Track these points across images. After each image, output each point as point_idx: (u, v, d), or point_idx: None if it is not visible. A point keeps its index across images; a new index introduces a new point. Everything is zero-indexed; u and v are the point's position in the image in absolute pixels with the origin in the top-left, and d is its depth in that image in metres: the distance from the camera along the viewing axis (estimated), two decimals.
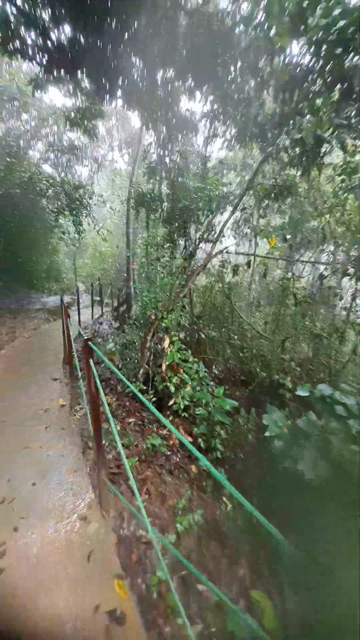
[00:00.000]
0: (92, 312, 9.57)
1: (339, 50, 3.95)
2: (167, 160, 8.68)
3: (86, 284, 16.24)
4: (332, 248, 7.89)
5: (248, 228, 8.71)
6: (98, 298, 11.90)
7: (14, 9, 6.45)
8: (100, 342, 6.30)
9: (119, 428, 3.34)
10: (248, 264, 7.69)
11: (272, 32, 4.52)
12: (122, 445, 2.93)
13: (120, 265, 14.59)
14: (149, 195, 8.76)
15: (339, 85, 4.59)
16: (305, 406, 2.80)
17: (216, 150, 7.96)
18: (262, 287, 8.91)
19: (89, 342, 1.95)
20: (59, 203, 11.56)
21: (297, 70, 5.13)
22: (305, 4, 3.84)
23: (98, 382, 1.84)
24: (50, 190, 11.40)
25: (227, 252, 6.03)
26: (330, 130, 4.79)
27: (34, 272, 13.51)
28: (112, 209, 13.59)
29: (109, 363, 1.78)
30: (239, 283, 7.75)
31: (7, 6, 6.37)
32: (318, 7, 3.80)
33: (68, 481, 2.30)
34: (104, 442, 2.40)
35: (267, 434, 2.42)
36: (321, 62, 4.55)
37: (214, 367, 4.89)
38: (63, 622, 1.37)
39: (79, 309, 8.01)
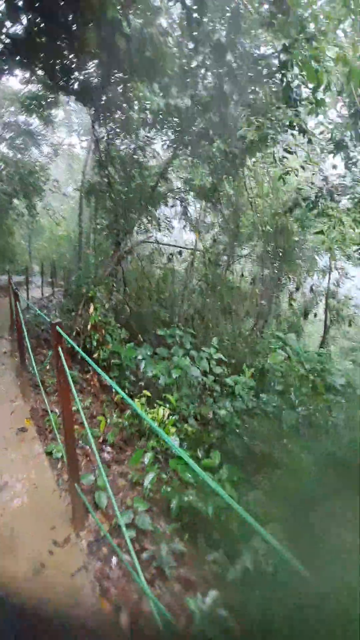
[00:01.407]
0: (42, 290, 10.48)
1: None
2: (113, 154, 9.70)
3: (43, 266, 16.75)
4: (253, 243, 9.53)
5: (183, 221, 10.09)
6: (51, 279, 12.70)
7: None
8: (45, 312, 7.36)
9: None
10: (179, 253, 9.11)
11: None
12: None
13: (76, 249, 15.35)
14: (96, 187, 9.77)
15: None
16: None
17: (160, 151, 9.19)
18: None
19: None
20: (13, 186, 12.08)
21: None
22: None
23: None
24: (4, 172, 11.87)
25: (153, 242, 7.35)
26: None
27: None
28: (65, 195, 14.28)
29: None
30: (172, 268, 9.13)
31: None
32: None
33: (3, 378, 3.54)
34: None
35: (139, 357, 3.81)
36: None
37: (133, 328, 6.26)
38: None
39: (27, 287, 8.93)
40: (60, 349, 1.75)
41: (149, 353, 3.88)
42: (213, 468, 2.20)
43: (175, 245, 8.63)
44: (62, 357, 1.78)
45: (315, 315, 8.67)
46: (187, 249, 8.83)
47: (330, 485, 1.75)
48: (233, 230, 8.75)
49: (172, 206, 8.73)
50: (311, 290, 7.79)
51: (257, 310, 7.37)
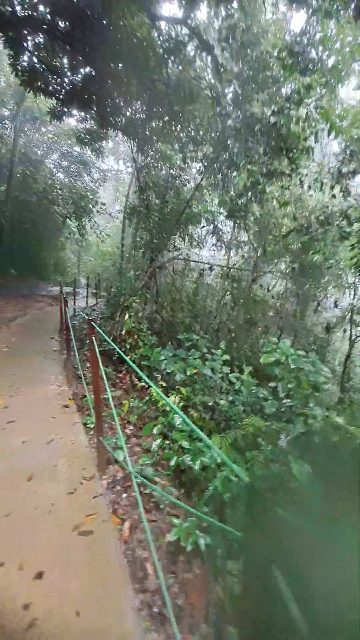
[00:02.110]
0: (87, 300, 11.73)
1: None
2: (152, 181, 10.78)
3: (89, 279, 18.48)
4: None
5: (216, 240, 10.77)
6: (95, 290, 14.06)
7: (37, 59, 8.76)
8: (87, 319, 8.37)
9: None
10: (210, 268, 9.77)
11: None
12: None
13: (117, 264, 16.77)
14: (138, 209, 10.89)
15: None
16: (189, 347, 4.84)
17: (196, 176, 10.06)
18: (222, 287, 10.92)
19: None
20: (67, 209, 13.80)
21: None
22: None
23: (95, 345, 3.92)
24: (60, 199, 13.63)
25: (183, 258, 8.10)
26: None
27: (43, 266, 15.75)
28: (111, 215, 15.81)
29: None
30: (203, 283, 9.78)
31: (33, 57, 8.68)
32: None
33: (51, 364, 4.40)
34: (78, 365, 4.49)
35: (162, 359, 4.47)
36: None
37: (164, 335, 6.96)
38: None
39: (74, 297, 10.15)
40: (93, 338, 2.47)
41: (170, 354, 4.53)
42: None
43: (204, 262, 9.30)
44: (95, 344, 2.50)
45: (345, 331, 8.71)
46: (216, 265, 9.45)
47: (295, 449, 2.22)
48: (259, 248, 9.22)
49: (203, 226, 9.44)
50: (335, 305, 7.92)
51: (279, 323, 7.69)
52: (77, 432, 2.99)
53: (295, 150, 4.44)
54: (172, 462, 2.44)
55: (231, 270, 8.60)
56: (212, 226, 10.30)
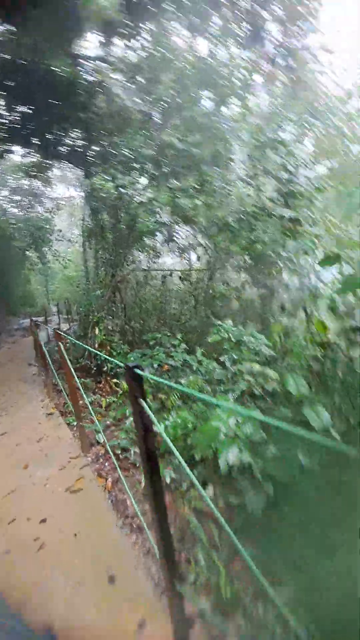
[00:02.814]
0: (60, 326, 12.04)
1: None
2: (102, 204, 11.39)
3: (59, 305, 18.66)
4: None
5: (171, 246, 11.48)
6: (67, 315, 14.33)
7: None
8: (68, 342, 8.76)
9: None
10: (170, 274, 10.43)
11: None
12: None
13: (83, 285, 17.13)
14: (93, 231, 11.42)
15: None
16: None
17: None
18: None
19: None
20: (25, 241, 14.11)
21: None
22: None
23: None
24: (16, 233, 13.92)
25: (142, 269, 8.71)
26: None
27: (11, 301, 15.82)
28: (70, 240, 16.23)
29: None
30: (165, 289, 10.41)
31: None
32: None
33: (32, 386, 4.82)
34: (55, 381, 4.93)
35: (132, 359, 4.99)
36: None
37: (135, 342, 7.47)
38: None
39: (46, 324, 10.46)
40: (61, 344, 3.00)
41: (139, 355, 5.08)
42: None
43: (162, 269, 9.97)
44: (63, 350, 3.02)
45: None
46: (174, 270, 10.14)
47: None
48: (213, 247, 9.99)
49: (155, 236, 10.12)
50: (286, 288, 8.78)
51: (244, 312, 8.39)
52: (61, 430, 3.46)
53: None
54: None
55: (189, 272, 9.30)
56: (166, 234, 11.03)
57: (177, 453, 1.32)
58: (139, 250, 10.28)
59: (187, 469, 1.23)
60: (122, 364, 1.31)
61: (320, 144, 7.41)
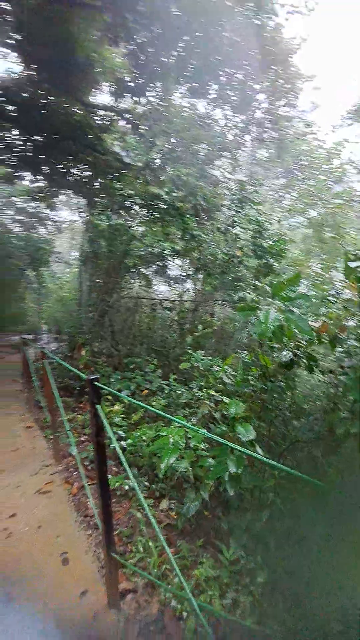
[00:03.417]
0: (49, 345, 12.33)
1: None
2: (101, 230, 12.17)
3: (49, 324, 18.93)
4: None
5: (163, 277, 12.16)
6: (57, 335, 14.63)
7: None
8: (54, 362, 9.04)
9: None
10: (160, 303, 10.98)
11: None
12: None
13: (75, 308, 17.58)
14: (91, 254, 12.07)
15: None
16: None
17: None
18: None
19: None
20: (23, 261, 14.71)
21: None
22: None
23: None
24: (16, 251, 14.55)
25: (131, 297, 9.25)
26: None
27: (2, 317, 16.11)
28: (67, 263, 16.91)
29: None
30: (154, 317, 10.94)
31: None
32: None
33: (14, 401, 5.10)
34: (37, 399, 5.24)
35: (112, 381, 5.37)
36: None
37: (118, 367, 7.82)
38: None
39: (35, 342, 10.77)
40: (45, 362, 3.40)
41: (118, 377, 5.46)
42: None
43: (150, 298, 10.54)
44: (48, 368, 3.42)
45: None
46: (163, 299, 10.74)
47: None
48: (209, 274, 10.72)
49: (148, 266, 10.78)
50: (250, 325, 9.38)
51: (227, 341, 8.90)
52: (37, 442, 3.78)
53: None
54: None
55: (176, 302, 9.89)
56: (160, 265, 11.74)
57: (123, 458, 1.73)
58: (131, 278, 10.89)
59: (132, 477, 1.64)
60: (84, 376, 1.75)
61: (302, 196, 8.36)
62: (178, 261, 12.22)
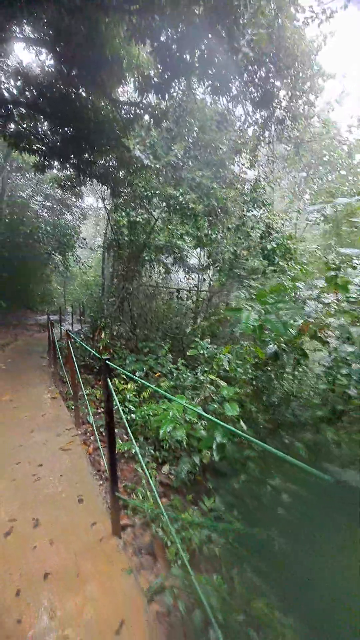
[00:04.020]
0: (72, 326, 13.11)
1: None
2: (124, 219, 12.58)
3: (74, 306, 19.90)
4: None
5: (182, 266, 12.48)
6: (80, 317, 15.47)
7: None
8: (77, 342, 9.74)
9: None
10: (177, 291, 11.37)
11: None
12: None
13: (98, 292, 18.35)
14: (113, 243, 12.56)
15: None
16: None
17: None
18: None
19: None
20: (51, 245, 15.47)
21: None
22: None
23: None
24: (44, 237, 15.31)
25: (150, 285, 9.68)
26: None
27: (31, 298, 17.13)
28: (91, 249, 17.57)
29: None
30: (171, 305, 11.36)
31: (18, 125, 10.60)
32: None
33: (42, 374, 5.75)
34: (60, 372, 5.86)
35: (127, 363, 5.88)
36: None
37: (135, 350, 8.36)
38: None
39: (60, 323, 11.54)
40: (69, 342, 3.92)
41: (133, 359, 5.97)
42: None
43: (167, 287, 10.93)
44: (71, 348, 3.94)
45: None
46: (180, 289, 11.11)
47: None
48: (220, 270, 10.94)
49: (167, 256, 11.14)
50: None
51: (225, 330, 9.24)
52: (61, 410, 4.36)
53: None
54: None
55: (192, 292, 10.22)
56: (178, 255, 12.06)
57: (127, 424, 2.18)
58: (151, 267, 11.29)
59: (134, 442, 2.09)
60: (99, 357, 2.19)
61: (320, 192, 8.32)
62: (197, 252, 12.51)
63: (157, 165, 6.83)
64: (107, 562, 1.96)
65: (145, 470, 2.11)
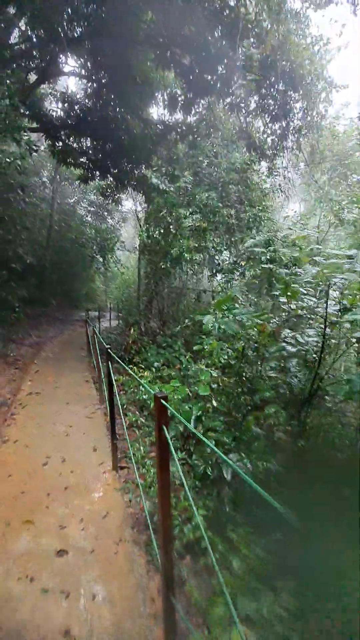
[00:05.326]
0: (110, 323, 14.53)
1: None
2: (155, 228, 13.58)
3: (113, 305, 21.60)
4: None
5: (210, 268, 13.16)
6: (118, 314, 16.95)
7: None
8: (112, 336, 11.04)
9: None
10: (204, 292, 12.12)
11: None
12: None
13: (134, 290, 19.74)
14: (146, 247, 13.64)
15: None
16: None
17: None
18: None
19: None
20: (93, 249, 17.13)
21: None
22: None
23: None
24: (88, 242, 16.99)
25: (176, 287, 10.55)
26: None
27: (77, 296, 19.05)
28: (129, 251, 18.99)
29: (99, 336, 6.39)
30: (199, 304, 12.14)
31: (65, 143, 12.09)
32: None
33: (80, 363, 6.96)
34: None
35: (149, 354, 6.83)
36: None
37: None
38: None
39: (99, 320, 12.95)
40: (95, 334, 4.96)
41: (154, 351, 6.92)
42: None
43: (194, 288, 11.70)
44: (103, 342, 4.97)
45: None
46: (205, 290, 11.84)
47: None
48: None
49: (195, 259, 11.88)
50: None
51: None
52: (91, 391, 5.46)
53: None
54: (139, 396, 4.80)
55: (213, 293, 10.95)
56: (207, 257, 12.79)
57: (117, 399, 3.08)
58: (180, 268, 12.16)
59: (119, 401, 2.97)
60: (107, 346, 3.11)
61: (336, 198, 8.50)
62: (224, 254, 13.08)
63: (171, 189, 7.65)
64: (105, 484, 2.90)
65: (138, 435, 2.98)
